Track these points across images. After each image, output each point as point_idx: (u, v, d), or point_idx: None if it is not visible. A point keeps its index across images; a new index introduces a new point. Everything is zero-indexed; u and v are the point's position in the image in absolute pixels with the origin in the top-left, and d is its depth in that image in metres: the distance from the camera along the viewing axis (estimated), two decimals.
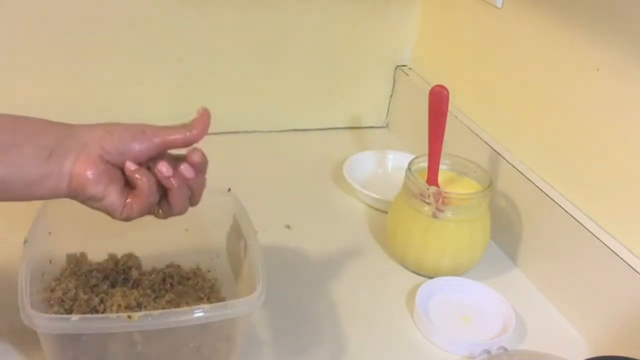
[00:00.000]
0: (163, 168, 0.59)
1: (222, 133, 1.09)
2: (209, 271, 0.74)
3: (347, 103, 1.17)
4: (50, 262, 0.68)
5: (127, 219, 0.60)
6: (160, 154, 0.60)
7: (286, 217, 0.90)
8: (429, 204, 0.79)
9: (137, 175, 0.58)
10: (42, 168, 0.56)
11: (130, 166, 0.58)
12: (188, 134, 0.60)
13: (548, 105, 0.83)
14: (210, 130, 1.05)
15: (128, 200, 0.59)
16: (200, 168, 0.61)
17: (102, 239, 0.72)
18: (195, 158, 0.60)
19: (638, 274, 0.68)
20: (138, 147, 0.58)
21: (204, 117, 0.61)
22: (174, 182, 0.59)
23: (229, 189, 0.73)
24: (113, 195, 0.58)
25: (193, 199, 0.62)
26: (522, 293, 0.82)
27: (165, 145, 0.60)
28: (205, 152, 1.00)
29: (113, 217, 0.59)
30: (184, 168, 0.59)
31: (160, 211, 0.61)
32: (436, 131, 0.81)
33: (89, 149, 0.57)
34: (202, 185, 0.62)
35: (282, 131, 1.14)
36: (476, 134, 0.94)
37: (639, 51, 0.69)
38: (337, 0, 1.07)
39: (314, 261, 0.83)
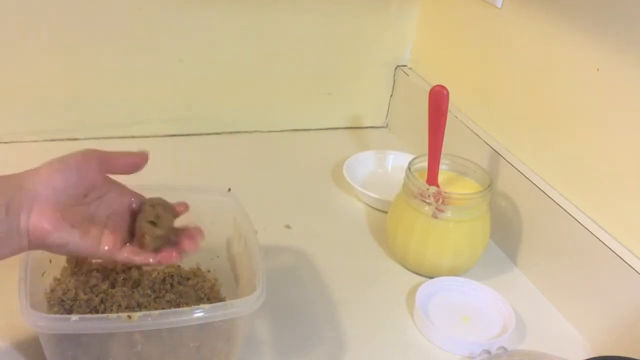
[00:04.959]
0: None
1: (222, 133, 1.09)
2: (209, 271, 0.74)
3: (347, 103, 1.17)
4: (50, 262, 0.68)
5: (111, 254, 0.60)
6: (109, 170, 0.60)
7: (286, 217, 0.90)
8: (429, 204, 0.79)
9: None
10: (3, 227, 0.54)
11: None
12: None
13: (548, 106, 0.83)
14: (210, 130, 1.07)
15: (106, 233, 0.59)
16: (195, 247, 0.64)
17: None
18: (199, 239, 0.64)
19: (638, 274, 0.68)
20: (86, 169, 0.58)
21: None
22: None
23: (229, 189, 0.73)
24: (76, 239, 0.57)
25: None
26: (522, 293, 0.82)
27: (110, 160, 0.60)
28: (206, 152, 1.01)
29: (92, 258, 0.60)
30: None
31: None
32: (436, 131, 0.81)
33: (41, 197, 0.55)
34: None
35: (282, 131, 1.14)
36: (476, 134, 0.94)
37: (639, 51, 0.69)
38: (337, 0, 1.07)
39: (314, 261, 0.83)
